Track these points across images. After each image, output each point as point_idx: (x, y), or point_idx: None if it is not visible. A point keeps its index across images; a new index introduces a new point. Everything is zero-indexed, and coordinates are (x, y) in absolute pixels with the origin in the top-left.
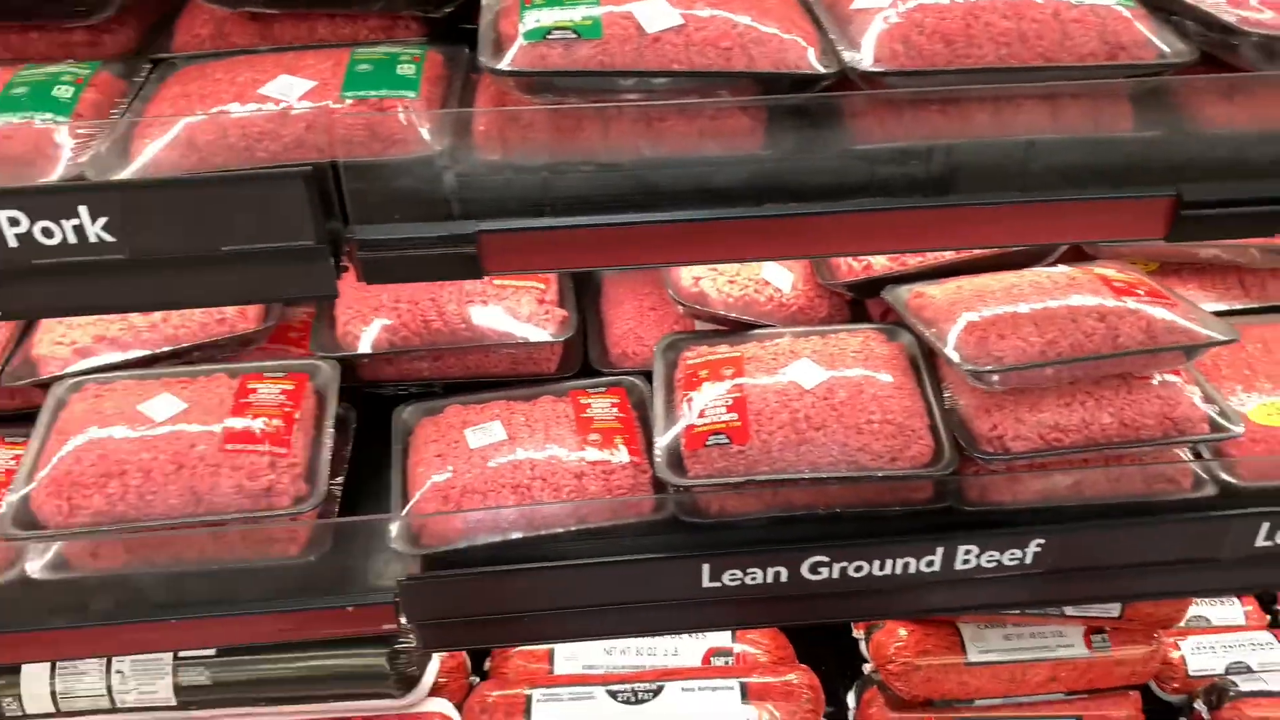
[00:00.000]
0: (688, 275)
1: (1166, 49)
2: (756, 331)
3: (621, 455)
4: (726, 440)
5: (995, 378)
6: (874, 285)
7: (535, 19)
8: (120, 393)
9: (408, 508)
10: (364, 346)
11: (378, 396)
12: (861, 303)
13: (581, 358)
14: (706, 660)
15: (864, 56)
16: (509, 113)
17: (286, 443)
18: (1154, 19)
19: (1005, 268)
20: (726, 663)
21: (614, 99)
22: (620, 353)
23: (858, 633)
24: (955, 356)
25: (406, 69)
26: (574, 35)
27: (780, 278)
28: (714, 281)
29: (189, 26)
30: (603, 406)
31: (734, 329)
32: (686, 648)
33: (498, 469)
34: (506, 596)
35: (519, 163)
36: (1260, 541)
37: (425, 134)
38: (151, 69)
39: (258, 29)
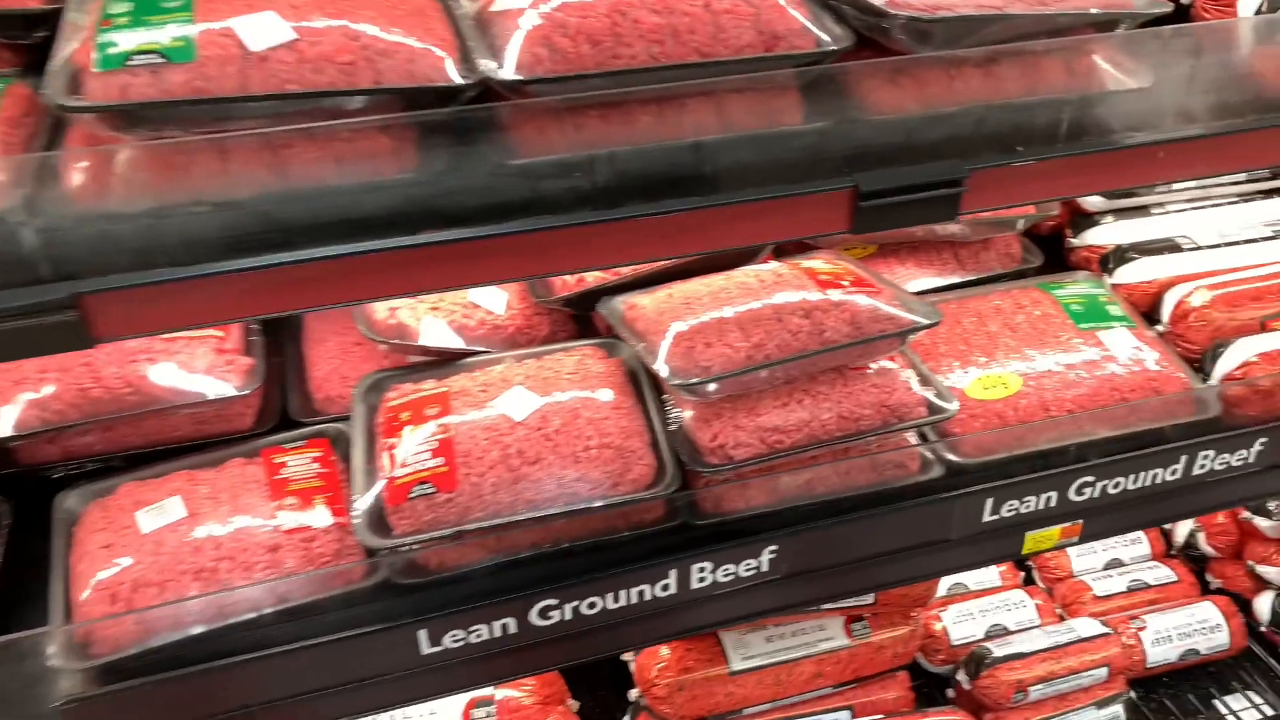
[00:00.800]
0: (382, 307)
1: (825, 36)
2: (469, 360)
3: (323, 517)
4: (432, 489)
5: (706, 388)
6: (590, 298)
7: (112, 43)
8: None
9: (62, 617)
10: (4, 429)
11: (48, 481)
12: (588, 318)
13: (281, 408)
14: (467, 714)
15: (505, 64)
16: (99, 153)
17: None
18: (810, 5)
19: (719, 268)
20: (488, 713)
21: (234, 128)
22: (325, 397)
23: (627, 655)
24: (665, 371)
25: None
26: (162, 59)
27: (491, 299)
28: (414, 311)
29: None
30: (301, 464)
31: (447, 360)
32: (444, 705)
33: (175, 553)
34: (198, 701)
35: (118, 209)
36: (987, 516)
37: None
38: None
39: None
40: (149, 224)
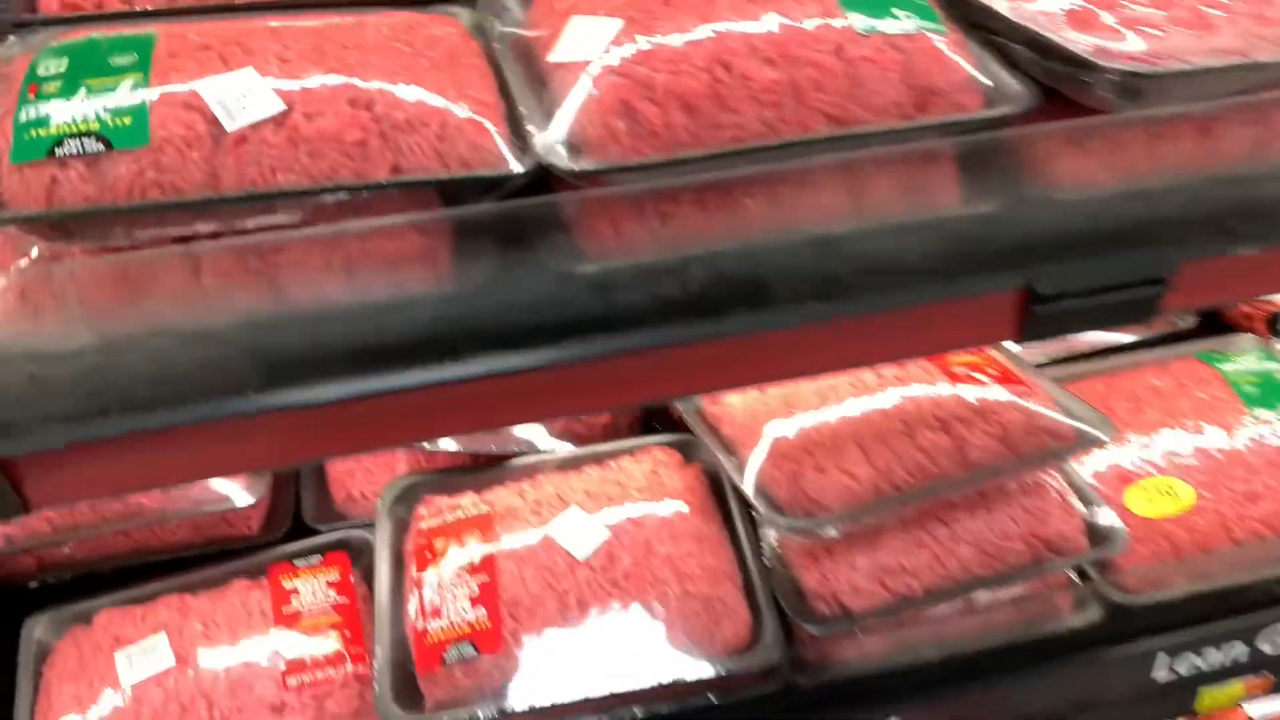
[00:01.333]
0: None
1: (995, 88)
2: (516, 463)
3: (341, 666)
4: (473, 651)
5: (823, 531)
6: None
7: (37, 120)
8: None
9: None
10: None
11: (22, 592)
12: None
13: (294, 509)
14: None
15: (569, 141)
16: (24, 272)
17: None
18: (972, 45)
19: None
20: None
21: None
22: (345, 497)
23: None
24: (764, 505)
25: None
26: (101, 144)
27: None
28: None
29: None
30: (314, 588)
31: (489, 463)
32: None
33: (159, 716)
34: None
35: (52, 346)
36: (1159, 673)
37: None
38: None
39: None
40: (93, 363)
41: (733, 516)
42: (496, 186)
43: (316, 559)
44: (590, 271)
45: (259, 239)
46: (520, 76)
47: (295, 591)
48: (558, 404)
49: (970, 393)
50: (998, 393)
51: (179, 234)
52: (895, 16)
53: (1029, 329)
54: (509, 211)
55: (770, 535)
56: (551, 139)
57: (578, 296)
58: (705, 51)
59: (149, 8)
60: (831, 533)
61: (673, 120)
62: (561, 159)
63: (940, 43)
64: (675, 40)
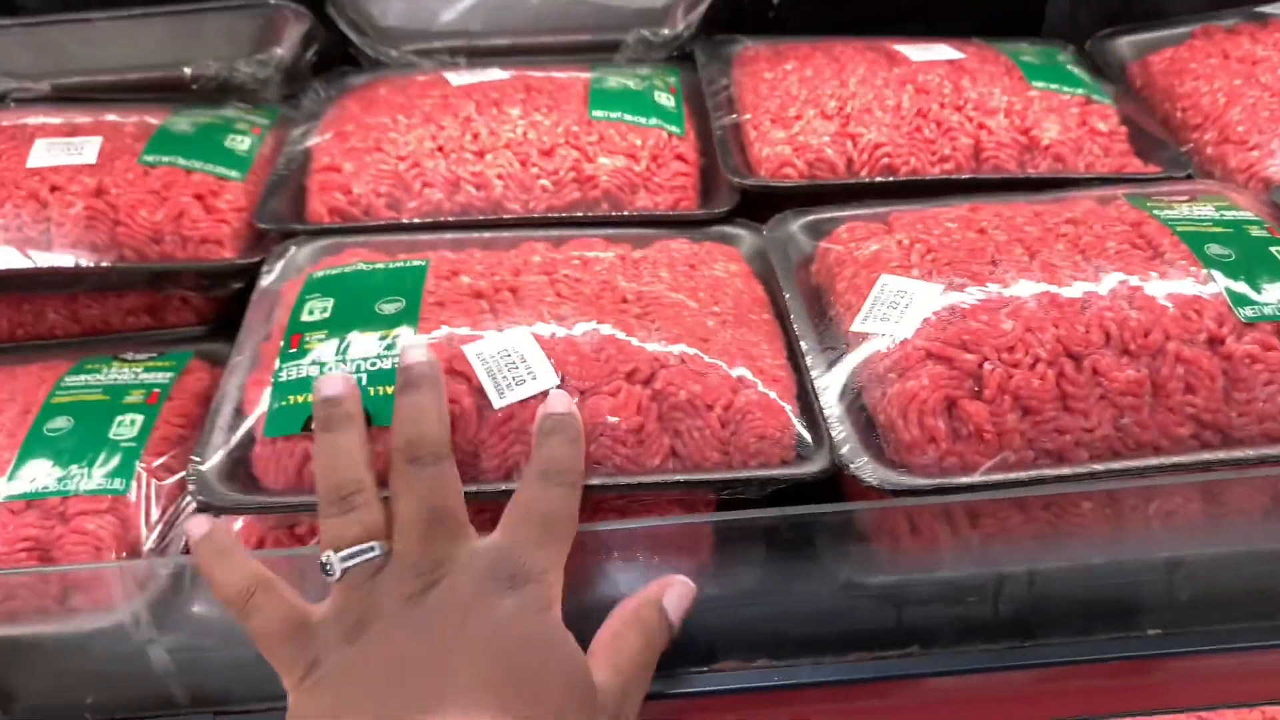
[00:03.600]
0: None
1: None
2: None
3: None
4: None
5: None
6: None
7: (293, 385)
8: None
9: None
10: None
11: None
12: None
13: None
14: None
15: (867, 442)
16: (267, 557)
17: None
18: None
19: None
20: None
21: None
22: None
23: None
24: None
25: (127, 425)
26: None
27: None
28: None
29: None
30: None
31: None
32: None
33: None
34: None
35: None
36: None
37: (127, 582)
38: None
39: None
40: None
41: None
42: (784, 483)
43: None
44: (879, 582)
45: None
46: (813, 339)
47: None
48: None
49: None
50: None
51: None
52: None
53: None
54: (794, 519)
55: None
56: (852, 434)
57: (861, 608)
58: (1049, 339)
59: (415, 220)
60: None
61: (1005, 425)
62: (871, 472)
63: None
64: (1010, 320)
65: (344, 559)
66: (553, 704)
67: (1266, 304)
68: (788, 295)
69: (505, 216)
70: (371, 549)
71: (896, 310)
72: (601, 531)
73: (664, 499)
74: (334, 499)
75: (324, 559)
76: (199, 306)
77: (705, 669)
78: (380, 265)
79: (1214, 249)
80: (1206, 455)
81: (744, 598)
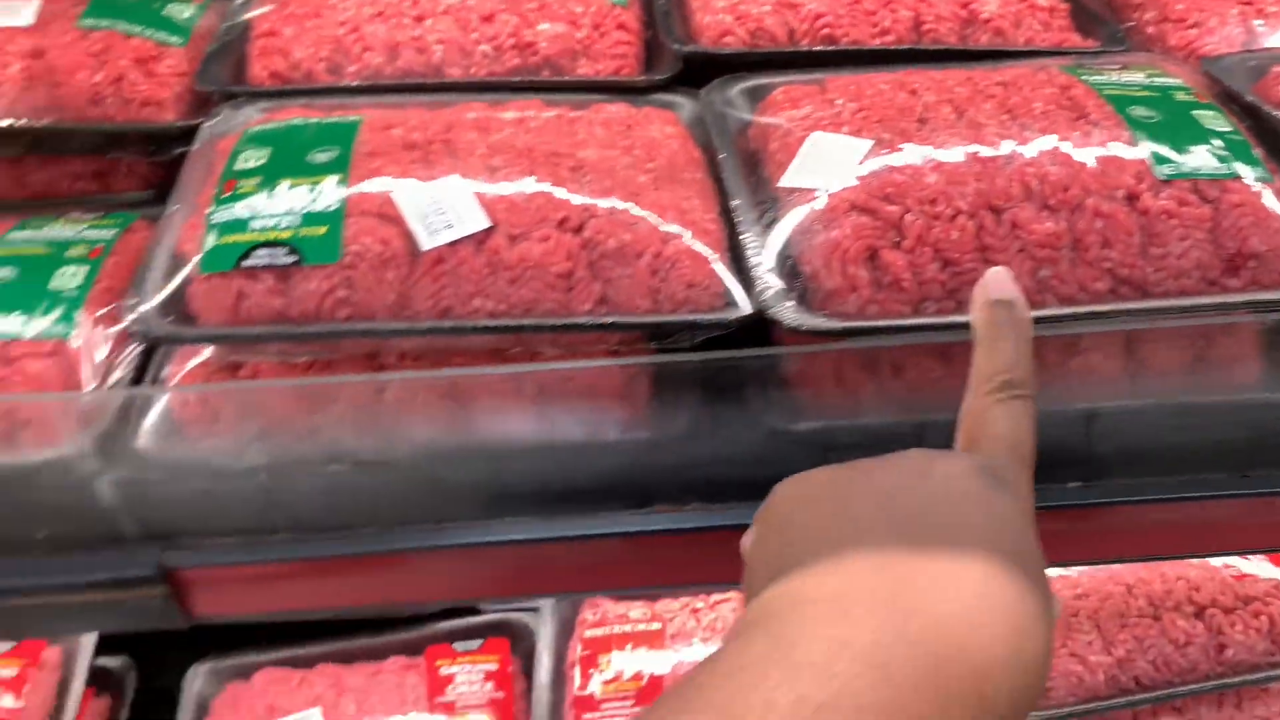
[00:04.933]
0: None
1: None
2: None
3: None
4: None
5: None
6: None
7: (229, 224)
8: None
9: None
10: None
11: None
12: None
13: None
14: None
15: (793, 289)
16: (200, 390)
17: None
18: None
19: None
20: None
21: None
22: None
23: None
24: None
25: (69, 277)
26: (292, 256)
27: None
28: None
29: None
30: (471, 677)
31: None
32: None
33: None
34: None
35: (223, 463)
36: None
37: (73, 416)
38: None
39: None
40: (263, 484)
41: None
42: (711, 329)
43: (477, 643)
44: (806, 428)
45: (446, 374)
46: (745, 196)
47: (451, 679)
48: None
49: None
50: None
51: (361, 351)
52: (1202, 154)
53: None
54: (718, 363)
55: None
56: (778, 283)
57: (789, 453)
58: (971, 192)
59: (355, 83)
60: None
61: (925, 275)
62: (792, 315)
63: (1265, 193)
64: (934, 174)
65: None
66: None
67: (1185, 163)
68: (723, 155)
69: (446, 80)
70: None
71: (825, 165)
72: (540, 373)
73: (596, 345)
74: None
75: None
76: (144, 174)
77: (640, 510)
78: (315, 120)
79: (1138, 111)
80: (1122, 305)
81: (678, 441)
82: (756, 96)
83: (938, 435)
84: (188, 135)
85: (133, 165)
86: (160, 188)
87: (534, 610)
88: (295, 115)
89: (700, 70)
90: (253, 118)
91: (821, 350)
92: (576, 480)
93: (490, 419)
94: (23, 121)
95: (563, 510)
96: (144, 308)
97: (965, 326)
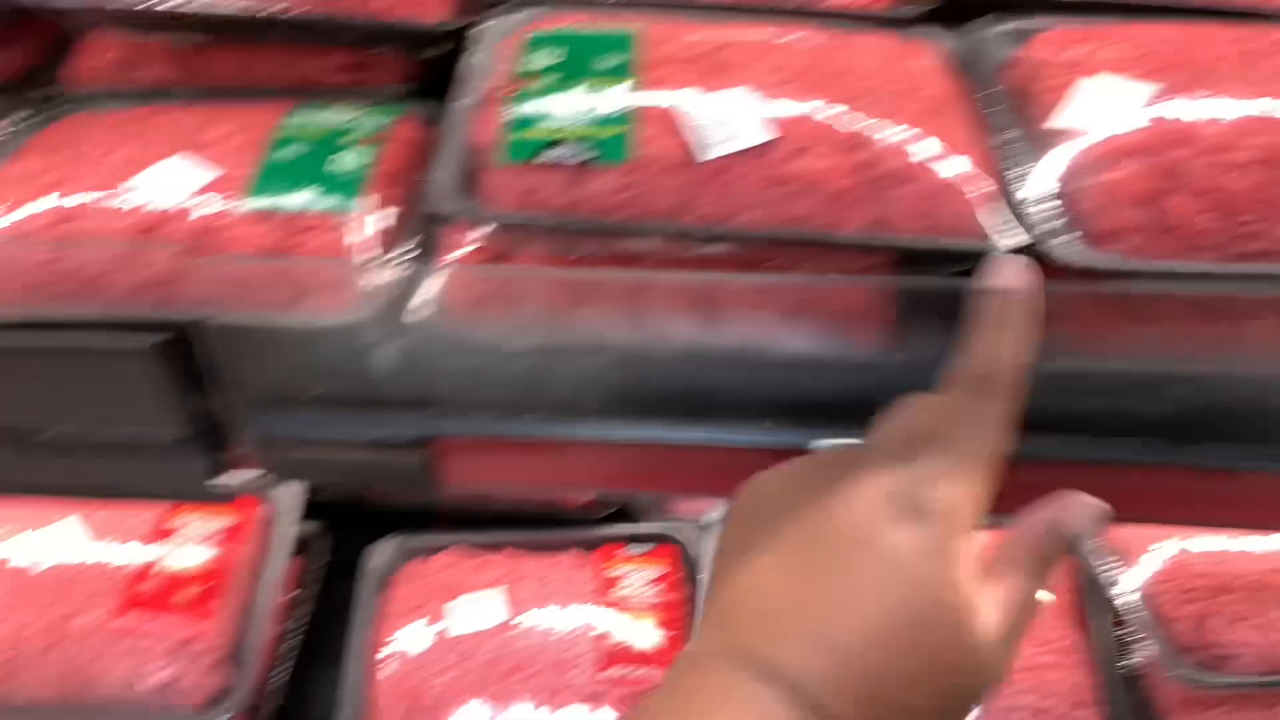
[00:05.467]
0: None
1: None
2: None
3: (658, 666)
4: None
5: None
6: None
7: (526, 120)
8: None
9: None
10: None
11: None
12: None
13: None
14: None
15: (1062, 228)
16: (483, 272)
17: (205, 612)
18: None
19: None
20: None
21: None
22: None
23: None
24: (1155, 639)
25: (350, 159)
26: (591, 153)
27: None
28: None
29: (94, 50)
30: (640, 580)
31: None
32: None
33: (482, 674)
34: None
35: (495, 341)
36: None
37: (359, 285)
38: (35, 110)
39: (178, 61)
40: (531, 366)
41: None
42: (967, 259)
43: (647, 547)
44: (1052, 369)
45: (704, 278)
46: (1011, 133)
47: (623, 578)
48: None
49: None
50: None
51: (640, 249)
52: None
53: None
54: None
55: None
56: (1053, 219)
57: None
58: (1262, 143)
59: None
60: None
61: (1203, 223)
62: (1077, 252)
63: None
64: (1218, 124)
65: None
66: None
67: None
68: (987, 91)
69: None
70: None
71: (1101, 108)
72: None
73: (850, 265)
74: None
75: None
76: (403, 70)
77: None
78: (597, 27)
79: None
80: None
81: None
82: (1019, 38)
83: (1187, 387)
84: (453, 35)
85: (392, 62)
86: (420, 84)
87: (702, 527)
88: (573, 22)
89: (954, 8)
90: (526, 22)
91: (1077, 291)
92: (825, 395)
93: (744, 328)
94: (302, 12)
95: (807, 423)
96: (439, 189)
97: (1243, 278)
